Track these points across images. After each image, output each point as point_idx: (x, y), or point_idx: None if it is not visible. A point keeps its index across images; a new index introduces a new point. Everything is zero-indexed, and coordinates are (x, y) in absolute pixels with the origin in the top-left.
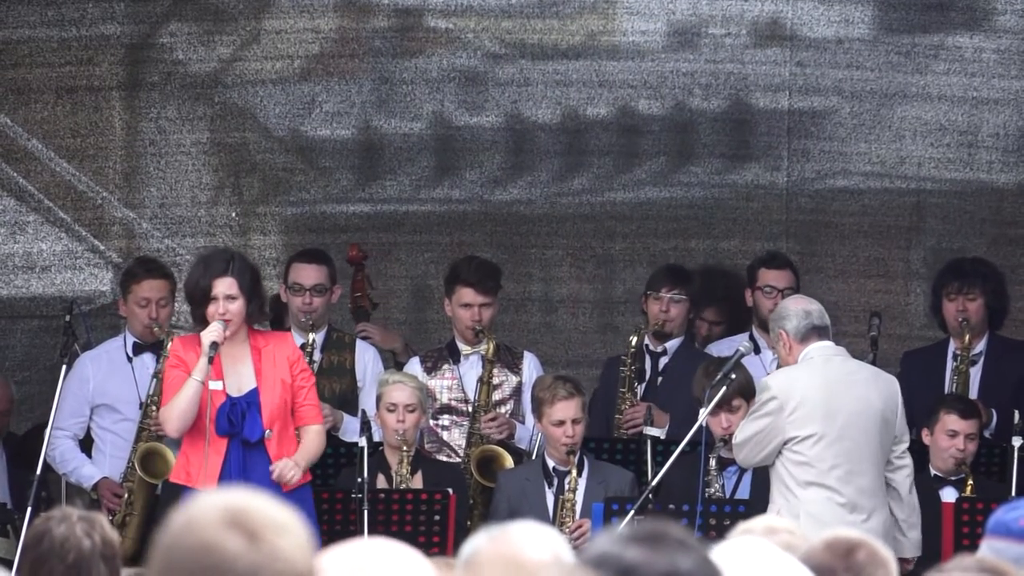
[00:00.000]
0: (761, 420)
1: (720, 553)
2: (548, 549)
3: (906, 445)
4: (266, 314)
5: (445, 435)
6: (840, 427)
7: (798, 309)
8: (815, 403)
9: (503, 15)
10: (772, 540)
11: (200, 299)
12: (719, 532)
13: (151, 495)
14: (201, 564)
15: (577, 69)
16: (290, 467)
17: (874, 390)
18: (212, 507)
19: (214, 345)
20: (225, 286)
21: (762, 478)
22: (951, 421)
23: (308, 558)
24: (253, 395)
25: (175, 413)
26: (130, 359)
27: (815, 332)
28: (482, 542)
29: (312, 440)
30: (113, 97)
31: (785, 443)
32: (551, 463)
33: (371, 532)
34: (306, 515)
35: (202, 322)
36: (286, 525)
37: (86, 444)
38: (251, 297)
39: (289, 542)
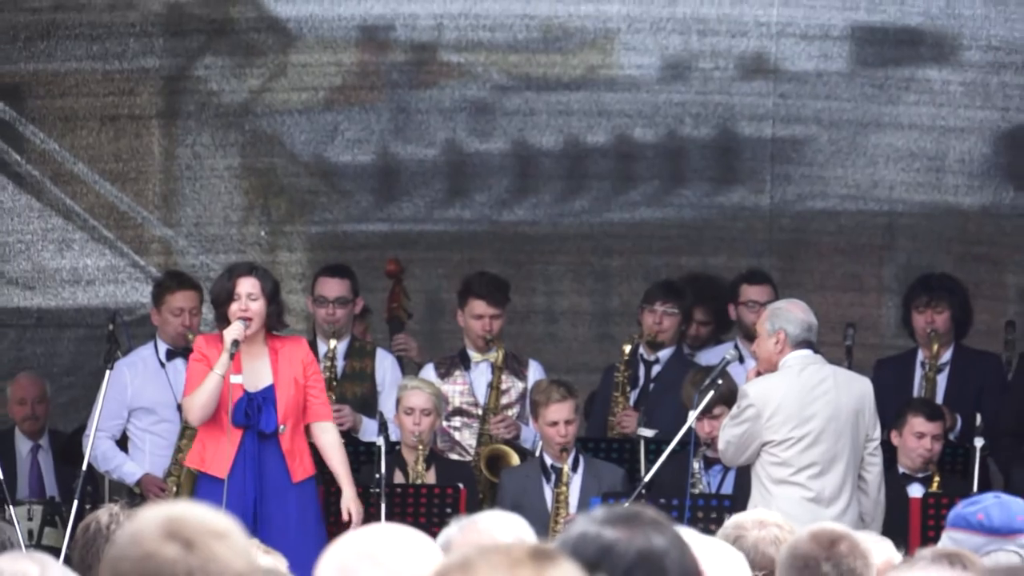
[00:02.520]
0: (741, 426)
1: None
2: (512, 533)
3: (877, 442)
4: (284, 323)
5: (457, 435)
6: (815, 430)
7: (803, 320)
8: (790, 410)
9: (510, 50)
10: (762, 532)
11: (224, 299)
12: (705, 524)
13: (196, 486)
14: (143, 572)
15: (578, 100)
16: (355, 510)
17: (845, 394)
18: (152, 520)
19: (235, 343)
20: (248, 285)
21: (744, 476)
22: (918, 423)
23: (244, 560)
24: (269, 391)
25: (197, 403)
26: (163, 365)
27: (805, 343)
28: (453, 531)
29: (336, 449)
30: (152, 125)
31: (763, 446)
32: (549, 460)
33: (390, 522)
34: (311, 502)
35: (224, 322)
36: (221, 532)
37: (121, 444)
38: (271, 301)
39: (224, 547)
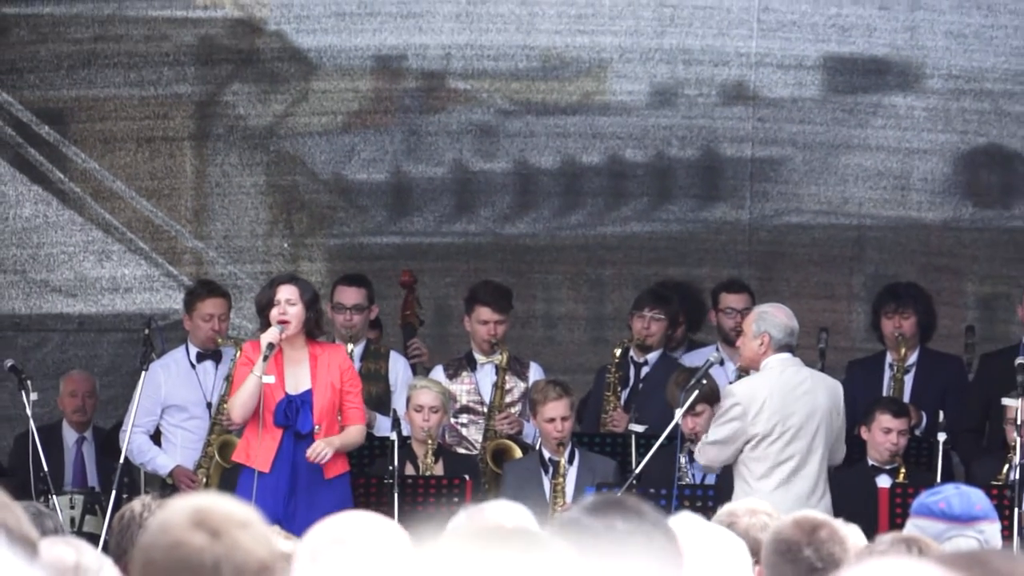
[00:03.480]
0: (729, 424)
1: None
2: (514, 519)
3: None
4: (323, 329)
5: (464, 431)
6: (794, 428)
7: (787, 325)
8: (772, 408)
9: (512, 78)
10: (753, 519)
11: (266, 305)
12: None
13: (224, 478)
14: (172, 559)
15: (574, 123)
16: (321, 447)
17: (822, 395)
18: (180, 510)
19: (271, 346)
20: (287, 292)
21: (727, 469)
22: (885, 420)
23: (267, 547)
24: (307, 395)
25: (237, 403)
26: (194, 366)
27: (786, 346)
28: (463, 518)
29: (351, 432)
30: (185, 146)
31: (747, 442)
32: (547, 454)
33: (400, 512)
34: (342, 498)
35: (267, 328)
36: (245, 521)
37: (155, 439)
38: (309, 308)
39: (248, 535)
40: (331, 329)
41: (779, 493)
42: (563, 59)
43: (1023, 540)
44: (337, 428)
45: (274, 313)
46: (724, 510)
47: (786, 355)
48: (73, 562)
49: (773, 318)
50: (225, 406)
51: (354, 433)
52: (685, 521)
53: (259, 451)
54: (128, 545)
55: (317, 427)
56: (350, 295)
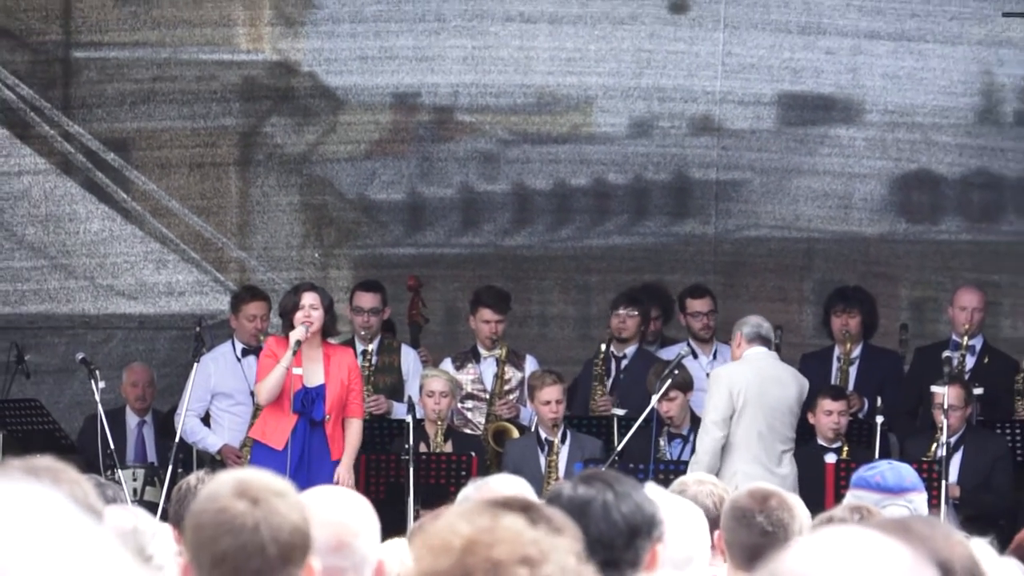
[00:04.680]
0: (719, 396)
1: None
2: (515, 490)
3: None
4: (338, 330)
5: (469, 415)
6: (765, 411)
7: (755, 321)
8: (750, 392)
9: (511, 112)
10: (700, 488)
11: (291, 309)
12: (666, 484)
13: None
14: (218, 522)
15: (564, 151)
16: (345, 477)
17: (791, 386)
18: (226, 482)
19: (298, 342)
20: (310, 298)
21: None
22: (826, 404)
23: (299, 513)
24: (321, 388)
25: (265, 388)
26: (239, 360)
27: (759, 339)
28: (471, 489)
29: (353, 436)
30: (230, 170)
31: (728, 418)
32: (543, 434)
33: (415, 483)
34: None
35: (290, 328)
36: (281, 491)
37: (205, 421)
38: (327, 311)
39: (283, 503)
40: (346, 329)
41: (753, 464)
42: (555, 96)
43: (949, 509)
44: (342, 418)
45: (299, 315)
46: (677, 481)
47: (763, 349)
48: (131, 526)
49: (746, 320)
50: None
51: (355, 434)
52: (652, 492)
53: (275, 431)
54: (184, 513)
55: (328, 416)
56: (367, 299)
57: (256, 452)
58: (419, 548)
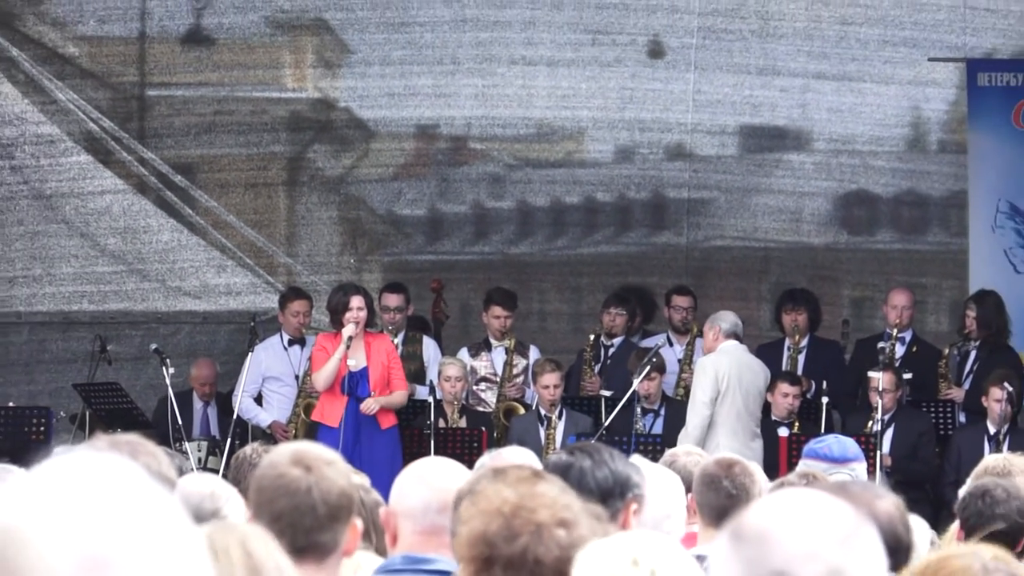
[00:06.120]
0: (706, 381)
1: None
2: (523, 459)
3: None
4: (375, 323)
5: (483, 395)
6: (742, 394)
7: (732, 319)
8: (730, 378)
9: (515, 141)
10: (688, 459)
11: (341, 309)
12: (644, 454)
13: (308, 431)
14: (277, 486)
15: (560, 174)
16: (370, 403)
17: (761, 374)
18: (284, 451)
19: (350, 338)
20: (358, 301)
21: (671, 422)
22: (784, 387)
23: (346, 479)
24: (364, 371)
25: (322, 377)
26: (286, 349)
27: (733, 334)
28: (486, 458)
29: (396, 394)
30: (279, 190)
31: (713, 399)
32: (543, 412)
33: (435, 455)
34: (393, 442)
35: (339, 324)
36: (330, 460)
37: (258, 401)
38: (369, 310)
39: (332, 470)
40: (379, 321)
41: (731, 437)
42: (552, 127)
43: (882, 475)
44: (387, 392)
45: (349, 316)
46: (668, 453)
47: (736, 342)
48: (209, 490)
49: (722, 315)
50: (309, 378)
51: (398, 395)
52: (638, 462)
53: (331, 412)
54: (241, 478)
55: (372, 393)
56: (393, 299)
57: (321, 432)
58: (469, 511)
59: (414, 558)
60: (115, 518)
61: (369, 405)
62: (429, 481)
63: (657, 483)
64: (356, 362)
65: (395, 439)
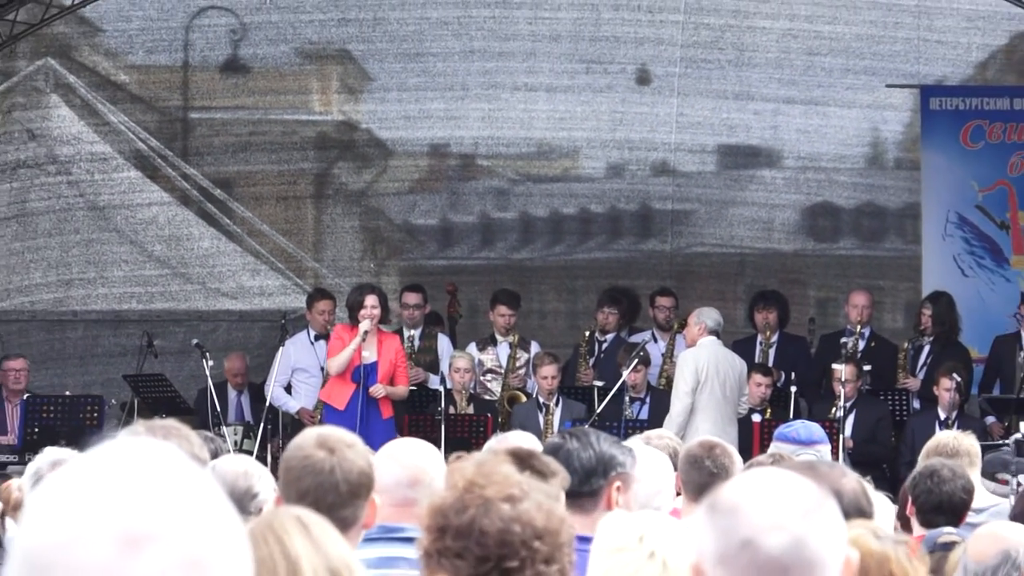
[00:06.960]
0: (688, 372)
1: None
2: (527, 443)
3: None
4: (388, 319)
5: (489, 385)
6: (720, 385)
7: (716, 317)
8: (710, 370)
9: (518, 158)
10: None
11: (357, 306)
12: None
13: None
14: (303, 466)
15: (558, 188)
16: (378, 388)
17: (737, 367)
18: (309, 435)
19: (365, 332)
20: (372, 299)
21: (655, 409)
22: (758, 378)
23: (365, 460)
24: (374, 365)
25: (337, 363)
26: (313, 344)
27: (714, 331)
28: (494, 442)
29: (399, 388)
30: (307, 202)
31: (694, 389)
32: (542, 400)
33: (446, 438)
34: (391, 430)
35: (355, 320)
36: (351, 443)
37: (287, 390)
38: (383, 308)
39: (352, 452)
40: (396, 319)
41: (713, 423)
42: (551, 146)
43: (844, 456)
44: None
45: (364, 312)
46: (642, 436)
47: (714, 338)
48: (243, 469)
49: (708, 312)
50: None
51: (400, 389)
52: (632, 444)
53: (338, 395)
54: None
55: (380, 386)
56: (412, 298)
57: (327, 412)
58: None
59: (388, 527)
60: (153, 495)
61: (377, 389)
62: (400, 459)
63: (648, 463)
64: (369, 354)
65: (392, 428)
